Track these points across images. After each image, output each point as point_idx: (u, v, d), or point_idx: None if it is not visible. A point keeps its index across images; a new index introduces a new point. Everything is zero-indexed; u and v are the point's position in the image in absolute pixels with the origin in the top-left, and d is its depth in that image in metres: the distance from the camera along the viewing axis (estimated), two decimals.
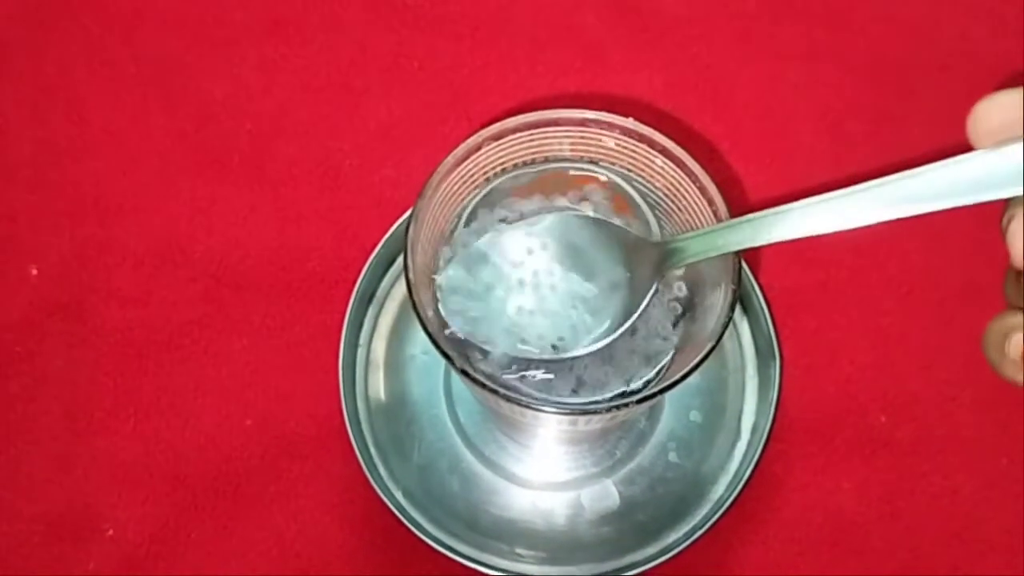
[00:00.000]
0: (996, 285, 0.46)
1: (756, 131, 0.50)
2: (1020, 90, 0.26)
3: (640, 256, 0.32)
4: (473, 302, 0.33)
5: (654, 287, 0.32)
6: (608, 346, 0.33)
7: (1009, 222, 0.26)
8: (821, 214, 0.28)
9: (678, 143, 0.33)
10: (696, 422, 0.45)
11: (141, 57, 0.52)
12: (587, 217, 0.33)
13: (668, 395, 0.45)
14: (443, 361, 0.42)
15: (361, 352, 0.46)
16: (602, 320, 0.32)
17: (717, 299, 0.32)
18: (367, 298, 0.46)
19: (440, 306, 0.33)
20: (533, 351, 0.32)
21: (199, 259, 0.48)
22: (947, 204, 0.27)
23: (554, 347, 0.32)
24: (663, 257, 0.32)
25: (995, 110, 0.26)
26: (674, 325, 0.35)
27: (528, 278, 0.33)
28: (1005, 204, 0.27)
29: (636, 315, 0.32)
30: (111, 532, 0.44)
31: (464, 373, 0.31)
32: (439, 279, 0.33)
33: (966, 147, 0.51)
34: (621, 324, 0.32)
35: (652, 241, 0.32)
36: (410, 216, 0.32)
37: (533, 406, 0.31)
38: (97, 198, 0.49)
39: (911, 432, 0.45)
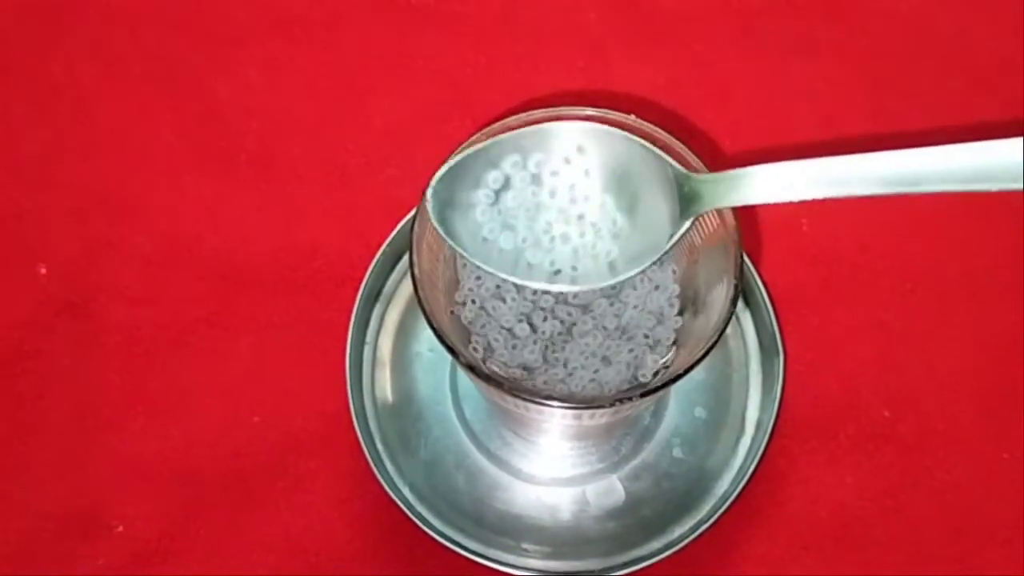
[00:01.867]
0: (997, 282, 0.47)
1: (757, 127, 0.50)
2: None
3: (679, 190, 0.30)
4: (487, 199, 0.31)
5: (684, 228, 0.30)
6: (610, 342, 0.33)
7: None
8: (842, 175, 0.27)
9: (680, 139, 0.33)
10: (700, 418, 0.46)
11: (147, 56, 0.52)
12: (641, 143, 0.30)
13: (673, 392, 0.46)
14: (449, 358, 0.43)
15: (368, 350, 0.46)
16: (629, 256, 0.30)
17: (720, 293, 0.32)
18: (374, 296, 0.47)
19: (429, 194, 0.30)
20: (537, 277, 0.31)
21: (206, 257, 0.48)
22: (956, 187, 0.26)
23: (558, 272, 0.31)
24: (694, 196, 0.30)
25: None
26: (679, 315, 0.35)
27: (562, 191, 0.30)
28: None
29: (660, 255, 0.30)
30: (120, 529, 0.44)
31: (470, 368, 0.31)
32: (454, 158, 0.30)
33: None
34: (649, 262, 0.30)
35: (691, 175, 0.29)
36: (415, 214, 0.33)
37: (537, 401, 0.31)
38: (104, 197, 0.50)
39: (913, 427, 0.45)
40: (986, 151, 0.26)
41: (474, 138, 0.34)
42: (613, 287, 0.33)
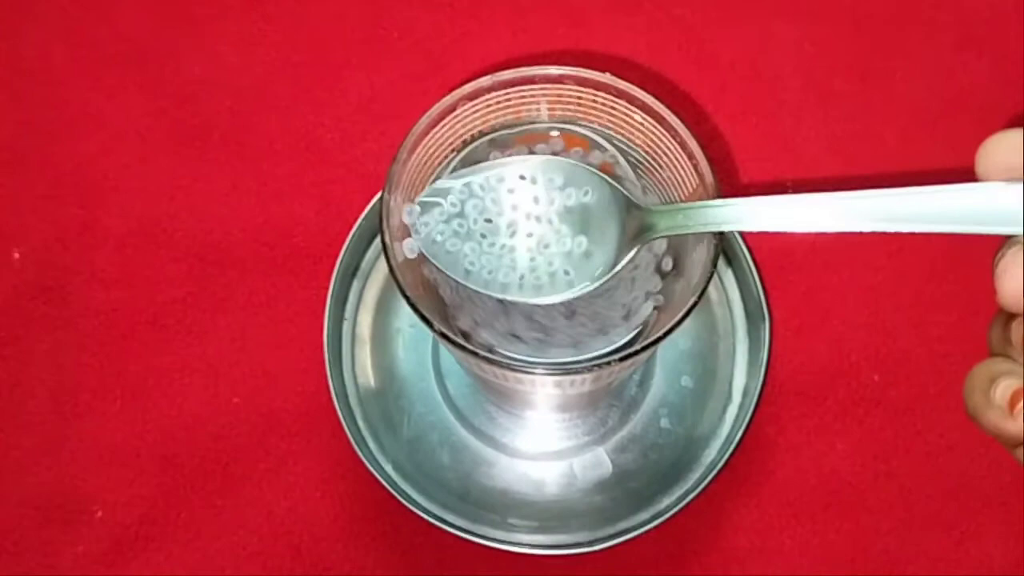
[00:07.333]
0: (987, 242, 0.46)
1: (742, 91, 0.49)
2: (1021, 131, 0.25)
3: (629, 218, 0.31)
4: (447, 225, 0.32)
5: (633, 252, 0.31)
6: (589, 302, 0.33)
7: (999, 261, 0.25)
8: (812, 213, 0.28)
9: (660, 100, 0.32)
10: (687, 387, 0.45)
11: (119, 36, 0.51)
12: (586, 168, 0.32)
13: (659, 361, 0.45)
14: (431, 334, 0.42)
15: (347, 326, 0.46)
16: (582, 274, 0.31)
17: (701, 254, 0.32)
18: (351, 272, 0.46)
19: (411, 221, 0.32)
20: (504, 286, 0.31)
21: (182, 238, 0.47)
22: (939, 228, 0.26)
23: (520, 286, 0.31)
24: (646, 226, 0.31)
25: (1003, 149, 0.25)
26: (660, 281, 0.34)
27: (517, 218, 0.32)
28: (1001, 242, 0.26)
29: (608, 276, 0.31)
30: (100, 514, 0.43)
31: (443, 336, 0.30)
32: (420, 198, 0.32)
33: (951, 105, 0.50)
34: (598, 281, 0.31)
35: (643, 207, 0.31)
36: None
37: (514, 367, 0.30)
38: (78, 179, 0.49)
39: (904, 391, 0.45)
40: (976, 195, 0.26)
41: (443, 101, 0.33)
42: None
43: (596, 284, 0.31)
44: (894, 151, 0.48)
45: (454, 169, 0.34)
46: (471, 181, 0.32)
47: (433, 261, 0.32)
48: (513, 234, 0.32)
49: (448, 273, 0.31)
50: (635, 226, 0.31)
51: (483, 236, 0.32)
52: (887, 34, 0.51)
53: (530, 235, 0.32)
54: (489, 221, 0.32)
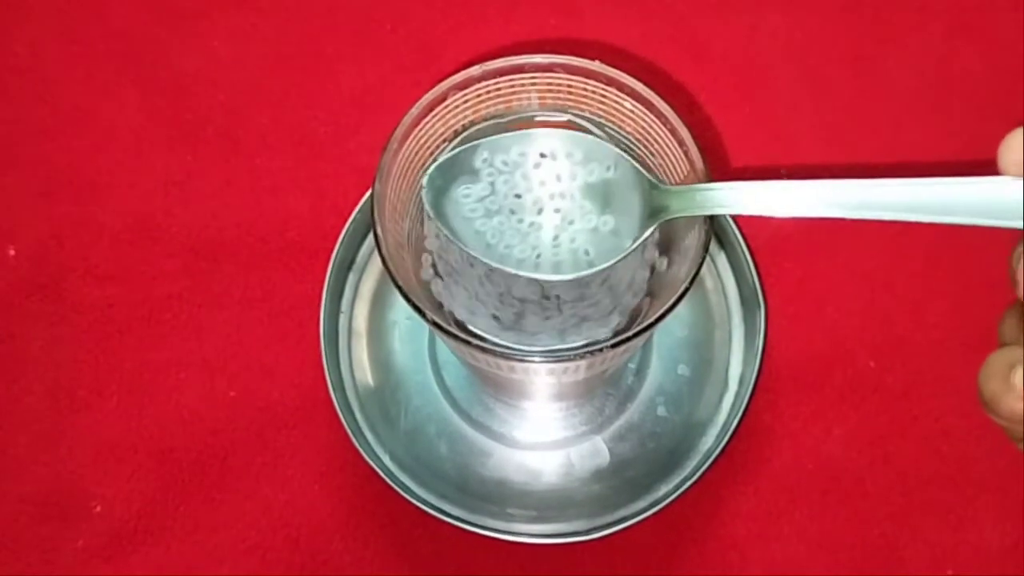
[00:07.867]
0: (984, 228, 0.46)
1: (734, 80, 0.49)
2: None
3: (647, 197, 0.31)
4: (480, 203, 0.32)
5: (648, 232, 0.31)
6: (584, 291, 0.33)
7: (1020, 258, 0.26)
8: (833, 198, 0.28)
9: (653, 89, 0.32)
10: (684, 375, 0.45)
11: (111, 33, 0.51)
12: (605, 144, 0.32)
13: (655, 350, 0.45)
14: (426, 326, 0.42)
15: (343, 320, 0.46)
16: (602, 254, 0.31)
17: (692, 241, 0.32)
18: (346, 265, 0.46)
19: (424, 191, 0.31)
20: (519, 262, 0.31)
21: (176, 233, 0.47)
22: (958, 220, 0.27)
23: (537, 264, 0.31)
24: (659, 206, 0.31)
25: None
26: (651, 271, 0.34)
27: (543, 195, 0.32)
28: (1021, 238, 0.26)
29: (621, 256, 0.31)
30: (99, 509, 0.44)
31: (436, 325, 0.30)
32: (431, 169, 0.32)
33: (943, 92, 0.50)
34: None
35: (658, 186, 0.31)
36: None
37: (507, 355, 0.30)
38: (72, 176, 0.49)
39: (900, 376, 0.45)
40: (997, 188, 0.26)
41: (433, 91, 0.33)
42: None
43: (611, 263, 0.31)
44: (887, 138, 0.48)
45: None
46: (493, 159, 0.32)
47: (446, 231, 0.31)
48: (540, 211, 0.31)
49: (468, 249, 0.31)
50: (652, 205, 0.31)
51: (512, 212, 0.32)
52: (878, 21, 0.50)
53: (557, 211, 0.31)
54: (519, 196, 0.32)
